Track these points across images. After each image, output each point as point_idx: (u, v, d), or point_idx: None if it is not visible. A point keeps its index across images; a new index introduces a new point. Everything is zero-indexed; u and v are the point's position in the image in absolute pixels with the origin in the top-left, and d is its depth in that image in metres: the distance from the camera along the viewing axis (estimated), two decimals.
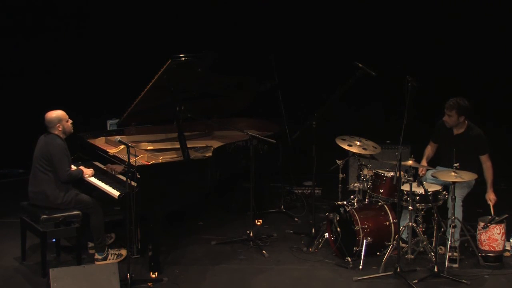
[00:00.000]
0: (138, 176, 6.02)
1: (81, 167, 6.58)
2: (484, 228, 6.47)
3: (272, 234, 7.29)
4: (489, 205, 6.74)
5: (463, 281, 6.07)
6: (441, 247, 6.61)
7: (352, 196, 6.81)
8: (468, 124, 6.88)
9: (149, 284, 6.05)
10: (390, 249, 6.42)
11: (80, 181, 6.57)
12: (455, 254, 6.38)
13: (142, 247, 6.60)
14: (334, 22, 9.03)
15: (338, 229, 6.66)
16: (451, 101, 6.77)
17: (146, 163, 6.39)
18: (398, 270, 6.13)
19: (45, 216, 6.19)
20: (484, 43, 8.87)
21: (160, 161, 6.47)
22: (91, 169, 6.60)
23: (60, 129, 6.35)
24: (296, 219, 7.85)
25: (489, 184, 6.82)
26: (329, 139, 7.03)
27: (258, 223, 7.64)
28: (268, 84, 7.84)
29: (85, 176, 6.54)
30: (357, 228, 6.47)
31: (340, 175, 6.96)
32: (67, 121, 6.41)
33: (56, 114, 6.36)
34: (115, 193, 6.22)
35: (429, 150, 7.18)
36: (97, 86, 9.13)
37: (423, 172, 7.01)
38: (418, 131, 7.31)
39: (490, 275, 6.27)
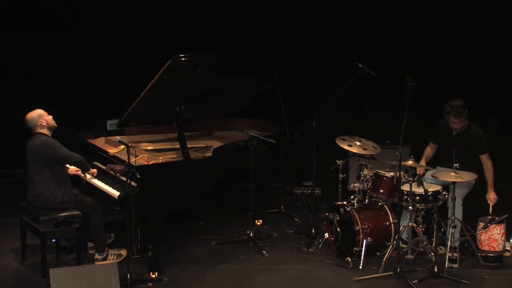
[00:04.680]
0: (138, 176, 6.02)
1: None
2: (484, 228, 6.47)
3: (272, 234, 7.29)
4: (489, 204, 6.75)
5: (463, 281, 6.07)
6: (441, 247, 6.61)
7: (352, 196, 6.80)
8: (468, 124, 6.88)
9: (149, 284, 6.05)
10: (390, 249, 6.41)
11: (80, 181, 6.56)
12: (455, 254, 6.38)
13: (142, 247, 6.60)
14: (334, 22, 9.02)
15: (338, 229, 6.66)
16: (456, 108, 6.66)
17: (146, 163, 6.39)
18: (398, 270, 6.13)
19: (45, 216, 6.19)
20: (484, 42, 8.87)
21: (160, 161, 6.46)
22: (95, 169, 6.59)
23: (44, 124, 6.30)
24: (296, 219, 7.84)
25: (490, 184, 6.82)
26: (329, 139, 7.02)
27: (258, 223, 7.63)
28: (268, 84, 7.83)
29: (88, 176, 6.52)
30: (357, 228, 6.47)
31: (340, 175, 6.96)
32: (48, 116, 6.37)
33: (35, 111, 6.32)
34: (115, 193, 6.22)
35: (428, 151, 7.18)
36: (97, 86, 9.13)
37: (421, 171, 7.00)
38: (418, 131, 7.31)
39: (490, 275, 6.27)
